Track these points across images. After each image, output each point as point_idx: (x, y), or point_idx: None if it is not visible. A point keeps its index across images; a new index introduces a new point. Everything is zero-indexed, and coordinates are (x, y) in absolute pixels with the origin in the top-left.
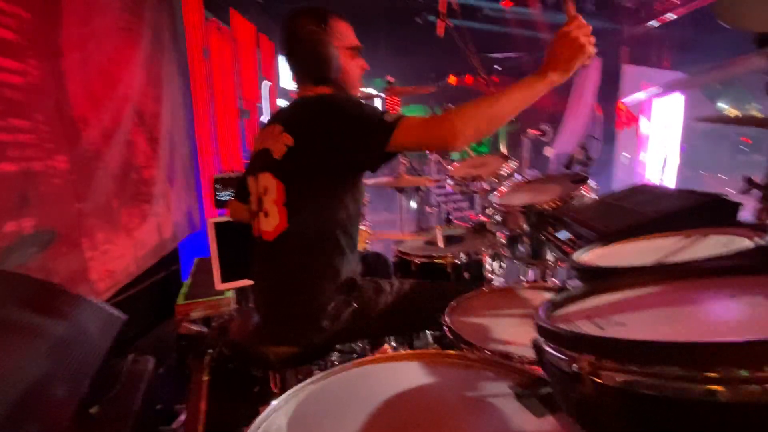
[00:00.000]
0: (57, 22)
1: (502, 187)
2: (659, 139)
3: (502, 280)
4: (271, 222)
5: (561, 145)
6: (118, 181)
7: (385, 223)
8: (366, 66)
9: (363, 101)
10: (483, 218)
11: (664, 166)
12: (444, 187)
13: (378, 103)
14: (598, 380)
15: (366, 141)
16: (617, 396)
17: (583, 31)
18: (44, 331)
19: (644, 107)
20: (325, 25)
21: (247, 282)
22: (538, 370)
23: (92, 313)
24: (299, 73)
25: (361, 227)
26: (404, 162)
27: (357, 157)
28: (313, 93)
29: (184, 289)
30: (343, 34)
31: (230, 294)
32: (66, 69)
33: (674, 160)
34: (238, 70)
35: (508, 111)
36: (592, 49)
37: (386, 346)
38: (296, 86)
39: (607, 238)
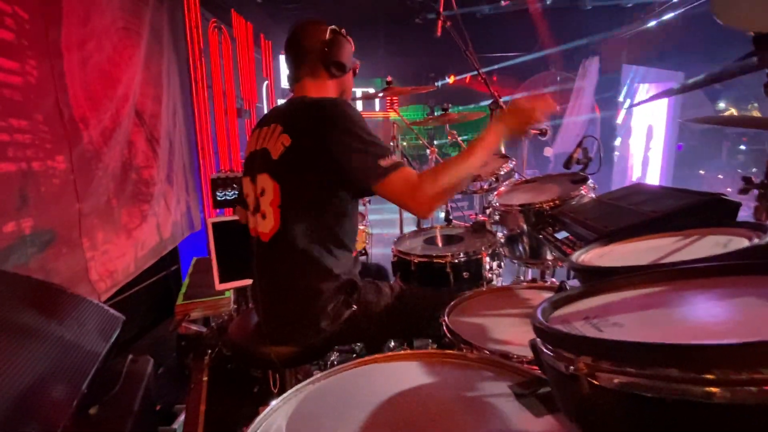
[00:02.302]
0: (56, 22)
1: (501, 187)
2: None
3: (501, 279)
4: (267, 224)
5: (560, 145)
6: (118, 181)
7: (385, 223)
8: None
9: (364, 120)
10: (482, 218)
11: (646, 164)
12: None
13: (377, 103)
14: (596, 382)
15: (358, 173)
16: (614, 398)
17: (543, 105)
18: (43, 331)
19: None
20: (344, 34)
21: (246, 282)
22: (537, 370)
23: (91, 313)
24: (312, 61)
25: (360, 227)
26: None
27: (345, 179)
28: (316, 91)
29: (183, 289)
30: (353, 51)
31: (229, 294)
32: (65, 69)
33: (658, 158)
34: (237, 70)
35: (470, 175)
36: (541, 121)
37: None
38: (295, 80)
39: (606, 238)
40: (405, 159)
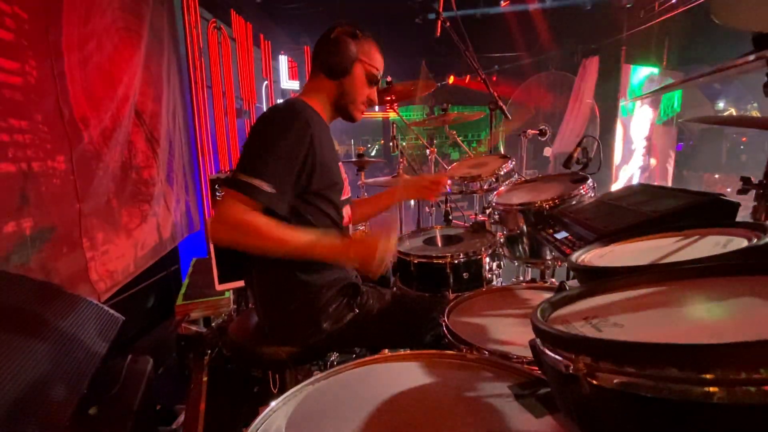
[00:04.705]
0: (57, 22)
1: (501, 187)
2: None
3: (500, 280)
4: None
5: (560, 145)
6: (118, 181)
7: (384, 223)
8: (375, 100)
9: (287, 136)
10: (482, 218)
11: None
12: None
13: (376, 106)
14: (595, 382)
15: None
16: (614, 398)
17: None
18: (44, 332)
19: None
20: (358, 36)
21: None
22: (537, 370)
23: (91, 314)
24: (316, 60)
25: (360, 227)
26: (403, 161)
27: None
28: (308, 91)
29: (182, 290)
30: (371, 56)
31: (229, 294)
32: (66, 69)
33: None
34: (237, 70)
35: (279, 252)
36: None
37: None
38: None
39: (606, 238)
40: (404, 159)
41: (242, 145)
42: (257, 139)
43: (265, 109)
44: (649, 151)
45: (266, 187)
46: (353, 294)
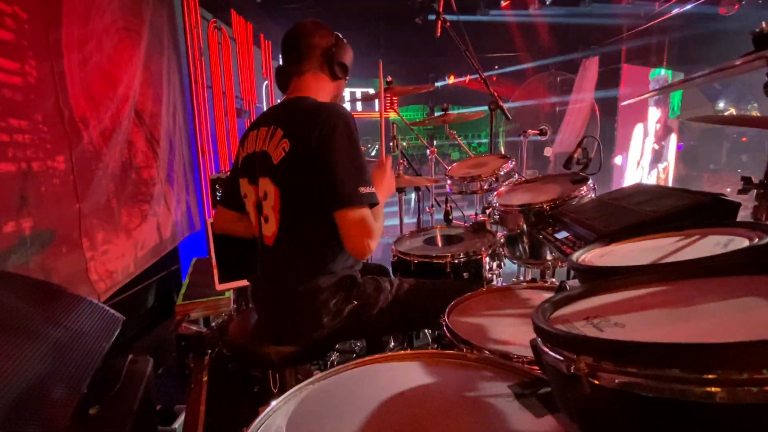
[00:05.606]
0: (57, 22)
1: (501, 187)
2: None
3: (501, 280)
4: (270, 227)
5: (560, 145)
6: (118, 181)
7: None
8: None
9: (358, 136)
10: (482, 218)
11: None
12: (443, 187)
13: (376, 103)
14: (596, 382)
15: (339, 187)
16: (615, 398)
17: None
18: (43, 331)
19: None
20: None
21: (246, 282)
22: (538, 370)
23: (91, 313)
24: (319, 58)
25: None
26: (403, 162)
27: (321, 189)
28: (315, 90)
29: (182, 290)
30: None
31: (229, 294)
32: (66, 69)
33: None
34: (237, 70)
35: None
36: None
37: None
38: (295, 74)
39: (606, 237)
40: (405, 159)
41: (324, 151)
42: (355, 148)
43: (265, 109)
44: (659, 153)
45: (372, 188)
46: (350, 286)
